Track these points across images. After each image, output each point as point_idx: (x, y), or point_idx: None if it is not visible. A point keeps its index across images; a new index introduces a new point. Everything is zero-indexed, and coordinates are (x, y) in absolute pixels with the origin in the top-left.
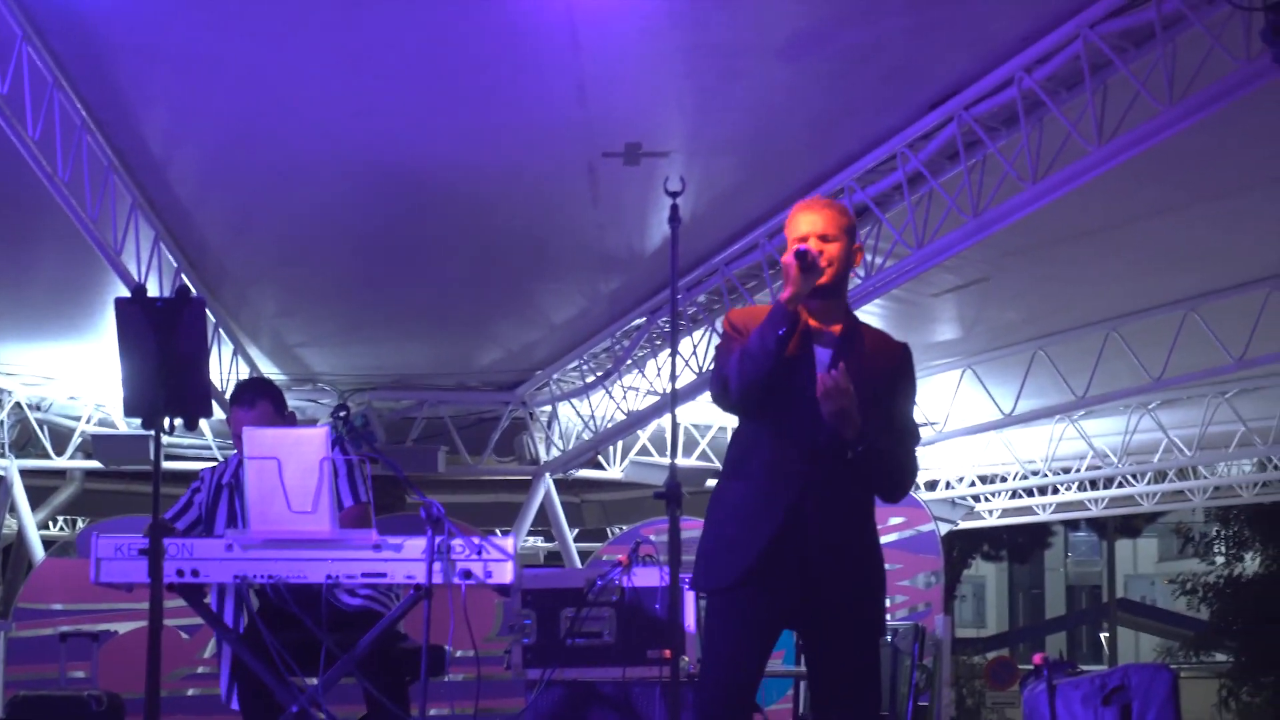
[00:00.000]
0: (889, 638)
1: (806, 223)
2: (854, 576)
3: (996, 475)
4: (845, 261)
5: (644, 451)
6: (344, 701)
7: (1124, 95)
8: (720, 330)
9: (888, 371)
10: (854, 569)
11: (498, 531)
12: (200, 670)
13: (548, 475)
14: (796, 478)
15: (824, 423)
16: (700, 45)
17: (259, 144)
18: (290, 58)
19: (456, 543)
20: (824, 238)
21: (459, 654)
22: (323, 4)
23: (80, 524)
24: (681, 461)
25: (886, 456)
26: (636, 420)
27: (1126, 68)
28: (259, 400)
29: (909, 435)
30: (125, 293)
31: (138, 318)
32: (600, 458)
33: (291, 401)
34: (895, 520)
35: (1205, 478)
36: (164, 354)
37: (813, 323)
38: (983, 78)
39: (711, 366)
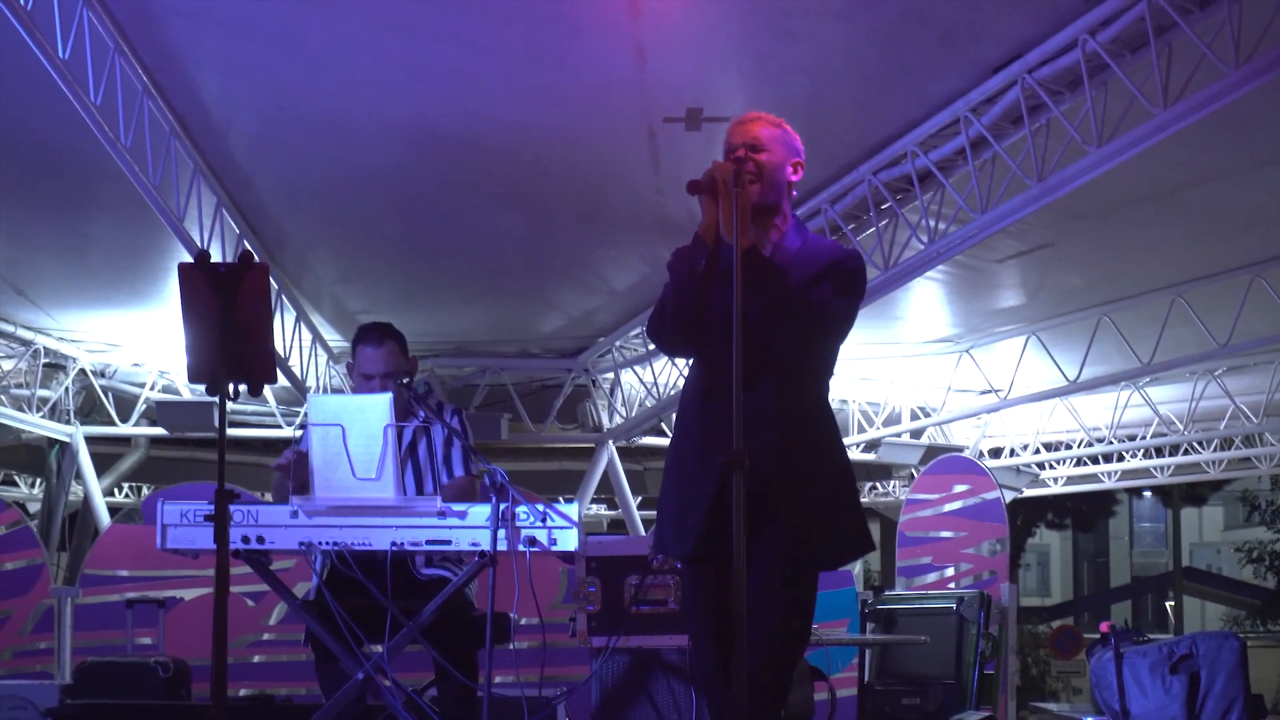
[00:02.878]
0: (954, 605)
1: (736, 134)
2: (816, 499)
3: (1061, 443)
4: (777, 172)
5: None
6: (416, 669)
7: (1189, 58)
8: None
9: (818, 268)
10: (814, 491)
11: (561, 499)
12: (265, 637)
13: (611, 442)
14: (730, 420)
15: (757, 350)
16: (758, 7)
17: (314, 108)
18: (342, 21)
19: (521, 510)
20: (753, 147)
21: (524, 621)
22: None
23: (145, 490)
24: None
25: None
26: None
27: (1191, 30)
28: (386, 339)
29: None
30: (188, 258)
31: (201, 283)
32: (663, 424)
33: None
34: (960, 488)
35: (1272, 445)
36: (227, 320)
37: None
38: (1046, 40)
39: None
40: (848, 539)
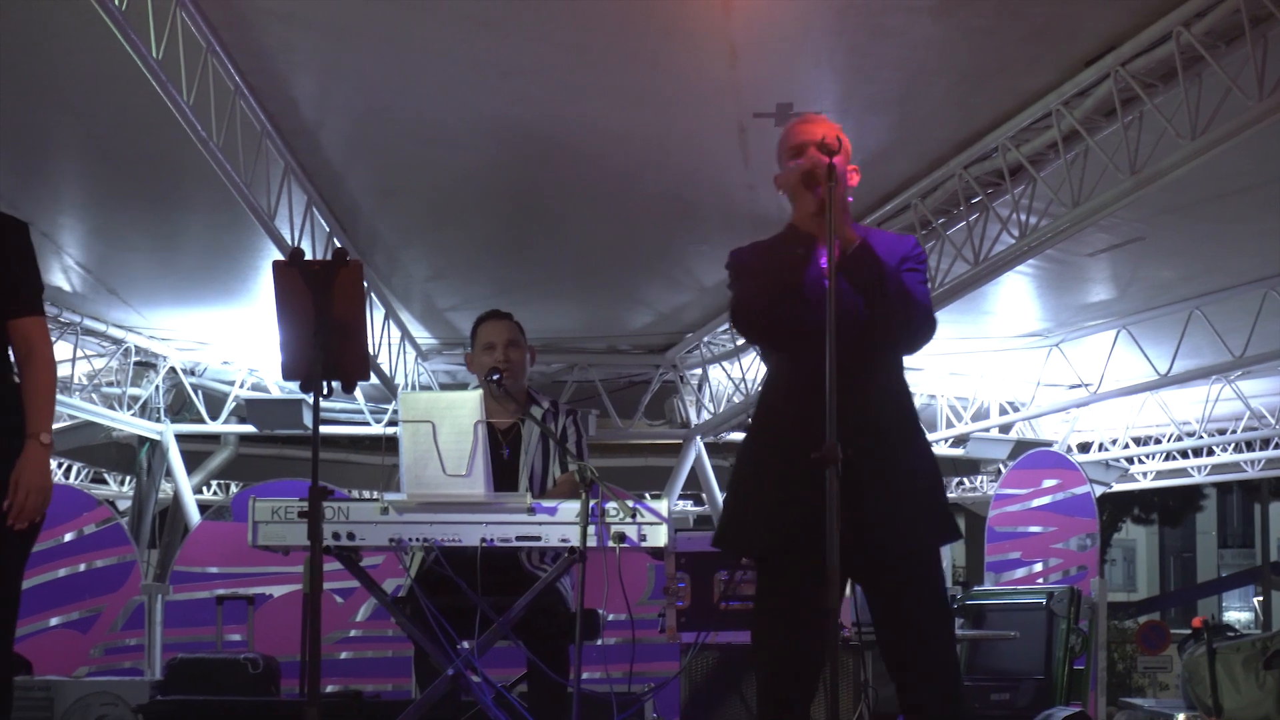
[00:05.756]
0: (1044, 600)
1: (803, 133)
2: (909, 503)
3: (1151, 437)
4: (847, 175)
5: None
6: (509, 664)
7: None
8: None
9: (896, 260)
10: (908, 496)
11: (647, 495)
12: (353, 633)
13: (699, 438)
14: (823, 417)
15: (855, 344)
16: (851, 3)
17: (405, 108)
18: (435, 22)
19: (611, 506)
20: (826, 148)
21: (612, 617)
22: None
23: (234, 488)
24: None
25: (898, 289)
26: None
27: None
28: (506, 317)
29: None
30: (278, 257)
31: (296, 281)
32: (751, 420)
33: (442, 365)
34: (1050, 483)
35: None
36: (321, 317)
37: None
38: (1139, 33)
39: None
40: (939, 525)
